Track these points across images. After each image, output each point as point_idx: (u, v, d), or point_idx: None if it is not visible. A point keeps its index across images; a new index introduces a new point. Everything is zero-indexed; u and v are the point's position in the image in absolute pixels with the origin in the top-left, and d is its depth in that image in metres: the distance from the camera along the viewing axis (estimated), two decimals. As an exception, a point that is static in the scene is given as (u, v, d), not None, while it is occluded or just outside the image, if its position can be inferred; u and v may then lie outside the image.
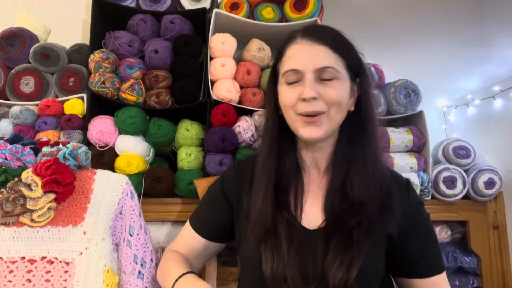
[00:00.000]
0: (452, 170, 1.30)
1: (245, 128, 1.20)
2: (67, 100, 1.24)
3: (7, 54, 1.25)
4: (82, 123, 1.22)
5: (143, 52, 1.25)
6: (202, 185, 1.12)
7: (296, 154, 0.82)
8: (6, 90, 1.26)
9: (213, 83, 1.26)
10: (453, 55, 1.64)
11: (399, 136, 1.30)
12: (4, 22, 1.33)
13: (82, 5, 1.53)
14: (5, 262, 0.80)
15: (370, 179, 0.74)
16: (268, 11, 1.35)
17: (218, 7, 1.34)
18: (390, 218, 0.74)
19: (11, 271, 0.79)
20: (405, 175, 1.26)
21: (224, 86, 1.23)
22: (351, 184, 0.75)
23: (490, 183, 1.29)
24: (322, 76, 0.72)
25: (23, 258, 0.80)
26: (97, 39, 1.27)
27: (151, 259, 0.91)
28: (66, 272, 0.80)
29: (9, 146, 0.84)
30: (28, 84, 1.26)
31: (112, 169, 1.18)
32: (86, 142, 1.20)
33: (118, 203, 0.88)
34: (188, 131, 1.22)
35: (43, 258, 0.80)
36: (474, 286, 1.32)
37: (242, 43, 1.31)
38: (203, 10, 1.30)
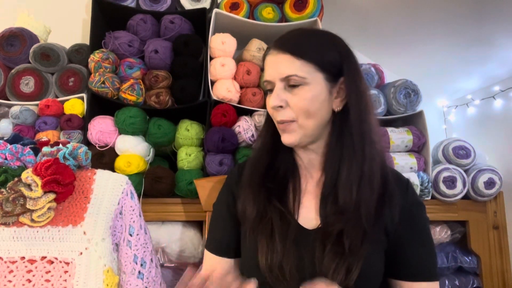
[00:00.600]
0: (452, 170, 1.30)
1: (245, 128, 1.20)
2: (67, 100, 1.24)
3: (7, 54, 1.25)
4: (82, 123, 1.22)
5: (143, 52, 1.25)
6: (202, 185, 1.12)
7: (294, 153, 0.83)
8: (6, 90, 1.26)
9: (213, 83, 1.26)
10: (453, 55, 1.64)
11: (399, 136, 1.30)
12: (4, 22, 1.33)
13: (82, 5, 1.53)
14: (5, 262, 0.80)
15: (363, 182, 0.72)
16: (268, 11, 1.35)
17: (218, 7, 1.34)
18: (388, 217, 0.73)
19: (11, 271, 0.79)
20: (405, 175, 1.25)
21: (224, 86, 1.23)
22: (341, 187, 0.73)
23: (490, 183, 1.29)
24: (289, 83, 0.74)
25: (23, 258, 0.80)
26: (97, 39, 1.27)
27: (151, 259, 0.91)
28: (66, 272, 0.80)
29: (9, 146, 0.84)
30: (28, 84, 1.26)
31: (112, 169, 1.18)
32: (86, 142, 1.20)
33: (118, 203, 0.88)
34: (188, 131, 1.22)
35: (43, 258, 0.80)
36: (474, 286, 1.32)
37: (242, 43, 1.31)
38: (203, 10, 1.30)
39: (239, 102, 1.27)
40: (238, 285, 0.63)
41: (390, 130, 1.31)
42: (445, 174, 1.29)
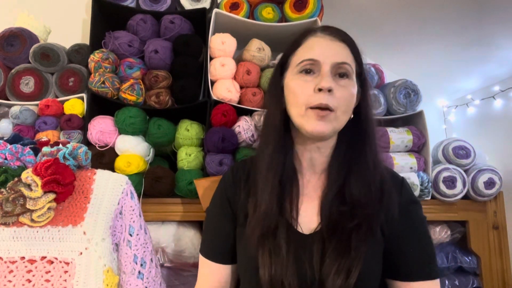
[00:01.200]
0: (452, 170, 1.30)
1: (245, 128, 1.20)
2: (67, 100, 1.24)
3: (7, 54, 1.25)
4: (82, 123, 1.22)
5: (143, 52, 1.25)
6: (202, 185, 1.12)
7: (293, 156, 0.80)
8: (6, 90, 1.26)
9: (213, 83, 1.26)
10: (453, 55, 1.64)
11: (399, 136, 1.30)
12: (4, 22, 1.33)
13: (82, 5, 1.53)
14: (5, 262, 0.80)
15: (371, 182, 0.74)
16: (268, 11, 1.35)
17: (218, 7, 1.34)
18: (385, 217, 0.73)
19: (11, 271, 0.79)
20: (405, 175, 1.26)
21: (224, 86, 1.23)
22: (351, 187, 0.74)
23: (490, 183, 1.29)
24: (337, 72, 0.72)
25: (23, 258, 0.80)
26: (97, 39, 1.27)
27: (151, 259, 0.91)
28: (66, 272, 0.80)
29: (9, 146, 0.84)
30: (28, 84, 1.26)
31: (112, 169, 1.18)
32: (86, 142, 1.20)
33: (118, 203, 0.88)
34: (188, 131, 1.22)
35: (43, 258, 0.80)
36: (474, 286, 1.32)
37: (242, 43, 1.31)
38: (203, 10, 1.30)
39: (239, 102, 1.27)
40: None
41: (390, 130, 1.31)
42: (445, 174, 1.29)
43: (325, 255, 0.69)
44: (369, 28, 1.63)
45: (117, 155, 1.21)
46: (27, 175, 0.78)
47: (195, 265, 1.21)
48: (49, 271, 0.80)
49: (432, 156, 1.35)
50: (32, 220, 0.78)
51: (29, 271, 0.80)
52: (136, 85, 1.20)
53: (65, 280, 0.79)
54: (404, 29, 1.58)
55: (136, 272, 0.87)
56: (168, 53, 1.24)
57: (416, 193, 1.26)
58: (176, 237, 1.19)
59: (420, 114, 1.33)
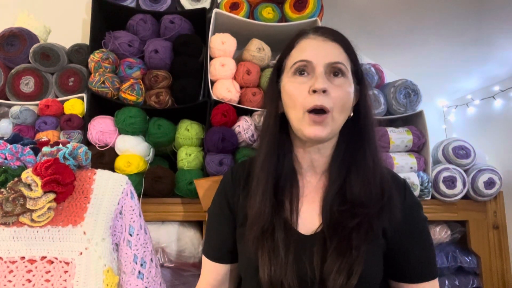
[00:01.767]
0: (452, 170, 1.30)
1: (245, 128, 1.20)
2: (67, 100, 1.24)
3: (7, 54, 1.25)
4: (82, 123, 1.22)
5: (143, 52, 1.25)
6: (202, 185, 1.12)
7: (293, 156, 0.80)
8: (6, 90, 1.26)
9: (213, 83, 1.26)
10: (453, 55, 1.64)
11: (399, 136, 1.30)
12: (4, 22, 1.33)
13: (82, 5, 1.53)
14: (5, 262, 0.80)
15: (371, 182, 0.74)
16: (268, 11, 1.35)
17: (218, 7, 1.34)
18: (387, 218, 0.73)
19: (11, 271, 0.79)
20: (405, 175, 1.26)
21: (224, 86, 1.23)
22: (351, 186, 0.74)
23: (490, 183, 1.29)
24: (332, 71, 0.72)
25: (23, 258, 0.80)
26: (97, 39, 1.27)
27: (151, 259, 0.91)
28: (66, 272, 0.80)
29: (9, 146, 0.84)
30: (28, 84, 1.26)
31: (112, 169, 1.18)
32: (86, 142, 1.20)
33: (118, 203, 0.88)
34: (188, 131, 1.23)
35: (43, 258, 0.80)
36: (474, 286, 1.32)
37: (242, 43, 1.31)
38: (203, 10, 1.30)
39: (239, 102, 1.27)
40: None
41: (390, 130, 1.31)
42: (445, 174, 1.29)
43: (326, 255, 0.69)
44: (369, 28, 1.63)
45: (117, 155, 1.21)
46: (27, 175, 0.78)
47: (195, 265, 1.21)
48: (49, 271, 0.80)
49: (432, 156, 1.35)
50: (32, 220, 0.78)
51: (29, 271, 0.80)
52: (136, 85, 1.20)
53: (65, 280, 0.79)
54: (404, 29, 1.58)
55: (136, 272, 0.87)
56: (168, 53, 1.24)
57: (416, 193, 1.26)
58: (176, 237, 1.19)
59: (420, 114, 1.33)
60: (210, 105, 1.22)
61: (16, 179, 0.80)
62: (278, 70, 0.81)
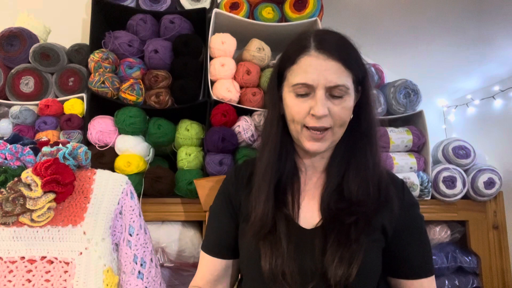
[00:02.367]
0: (452, 170, 1.30)
1: (245, 128, 1.20)
2: (67, 100, 1.24)
3: (7, 54, 1.25)
4: (81, 123, 1.22)
5: (143, 52, 1.25)
6: (202, 185, 1.12)
7: (295, 155, 0.83)
8: (6, 90, 1.26)
9: (213, 83, 1.26)
10: (453, 55, 1.64)
11: (399, 136, 1.30)
12: (4, 22, 1.33)
13: (82, 5, 1.53)
14: (5, 262, 0.80)
15: (369, 182, 0.76)
16: (268, 11, 1.35)
17: (218, 7, 1.34)
18: (387, 216, 0.75)
19: (11, 271, 0.79)
20: (405, 175, 1.26)
21: (224, 86, 1.23)
22: (349, 184, 0.76)
23: (489, 183, 1.29)
24: (332, 93, 0.73)
25: (23, 258, 0.80)
26: (97, 39, 1.27)
27: (151, 259, 0.91)
28: (66, 272, 0.80)
29: (8, 146, 0.84)
30: (27, 84, 1.26)
31: (112, 169, 1.18)
32: (86, 142, 1.20)
33: (118, 203, 0.88)
34: (188, 131, 1.22)
35: (43, 258, 0.80)
36: (474, 286, 1.32)
37: (242, 43, 1.31)
38: (203, 10, 1.30)
39: (239, 102, 1.27)
40: None
41: (390, 130, 1.31)
42: (445, 174, 1.29)
43: (326, 247, 0.71)
44: (369, 28, 1.63)
45: (117, 155, 1.21)
46: (27, 175, 0.78)
47: (195, 265, 1.20)
48: (49, 271, 0.80)
49: (432, 156, 1.35)
50: (32, 220, 0.78)
51: (29, 271, 0.80)
52: (136, 85, 1.20)
53: (65, 280, 0.79)
54: (404, 29, 1.58)
55: (136, 272, 0.87)
56: (168, 53, 1.24)
57: (416, 193, 1.26)
58: (176, 237, 1.19)
59: (420, 114, 1.33)
60: (210, 105, 1.22)
61: (16, 179, 0.80)
62: (278, 77, 0.81)
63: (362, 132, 0.78)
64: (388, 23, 1.59)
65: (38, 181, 0.77)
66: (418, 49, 1.67)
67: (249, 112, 1.26)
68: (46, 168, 0.78)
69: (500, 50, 1.51)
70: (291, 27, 1.34)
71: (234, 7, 1.34)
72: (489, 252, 1.31)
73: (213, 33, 1.30)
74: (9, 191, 0.78)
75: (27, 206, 0.76)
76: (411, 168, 1.29)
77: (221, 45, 1.26)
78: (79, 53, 1.28)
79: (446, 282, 1.31)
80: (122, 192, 0.89)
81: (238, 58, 1.34)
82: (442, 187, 1.28)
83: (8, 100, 1.26)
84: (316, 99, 0.72)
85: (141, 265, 0.88)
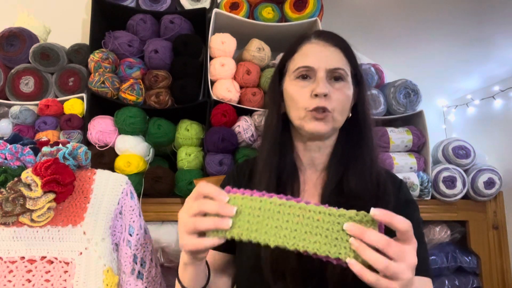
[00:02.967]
0: (451, 170, 1.30)
1: (245, 128, 1.20)
2: (67, 100, 1.24)
3: (7, 54, 1.25)
4: (81, 123, 1.22)
5: (143, 52, 1.25)
6: (202, 185, 1.12)
7: (294, 154, 0.83)
8: (5, 90, 1.26)
9: (213, 83, 1.26)
10: (453, 55, 1.64)
11: (398, 136, 1.30)
12: (4, 22, 1.33)
13: (82, 5, 1.53)
14: (5, 262, 0.80)
15: (367, 178, 0.77)
16: (268, 11, 1.35)
17: (218, 7, 1.34)
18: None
19: (11, 271, 0.79)
20: (405, 175, 1.26)
21: (224, 86, 1.23)
22: (348, 181, 0.77)
23: (489, 183, 1.29)
24: (332, 75, 0.76)
25: (23, 258, 0.80)
26: (97, 39, 1.27)
27: (151, 259, 0.91)
28: (65, 272, 0.80)
29: (8, 146, 0.84)
30: (27, 84, 1.26)
31: (112, 169, 1.18)
32: (86, 142, 1.20)
33: (118, 203, 0.88)
34: (188, 131, 1.22)
35: (43, 258, 0.80)
36: (474, 286, 1.32)
37: (242, 43, 1.31)
38: (203, 10, 1.30)
39: (239, 102, 1.27)
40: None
41: (389, 130, 1.31)
42: (445, 174, 1.29)
43: None
44: (369, 28, 1.63)
45: (117, 155, 1.21)
46: (27, 175, 0.77)
47: (195, 265, 1.21)
48: (49, 271, 0.80)
49: (432, 156, 1.35)
50: (32, 220, 0.78)
51: (29, 271, 0.80)
52: (136, 85, 1.20)
53: (65, 280, 0.79)
54: (404, 29, 1.58)
55: (136, 272, 0.87)
56: (168, 53, 1.24)
57: (416, 193, 1.26)
58: (176, 237, 1.19)
59: (420, 114, 1.33)
60: (210, 105, 1.22)
61: (16, 179, 0.79)
62: (280, 72, 0.84)
63: (359, 131, 0.80)
64: (388, 23, 1.59)
65: (38, 181, 0.77)
66: (418, 49, 1.67)
67: (249, 112, 1.26)
68: (46, 168, 0.78)
69: (500, 50, 1.51)
70: (291, 27, 1.34)
71: (234, 7, 1.34)
72: (489, 252, 1.31)
73: (213, 33, 1.30)
74: (9, 191, 0.78)
75: (27, 206, 0.76)
76: (411, 168, 1.29)
77: (221, 45, 1.26)
78: (79, 53, 1.28)
79: (446, 282, 1.31)
80: (122, 192, 0.89)
81: (238, 58, 1.34)
82: (442, 187, 1.28)
83: (8, 100, 1.26)
84: (317, 80, 0.75)
85: (141, 265, 0.88)
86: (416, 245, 0.54)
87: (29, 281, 0.79)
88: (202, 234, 0.59)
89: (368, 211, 0.74)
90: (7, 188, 0.78)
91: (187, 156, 1.21)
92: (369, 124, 0.80)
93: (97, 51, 1.22)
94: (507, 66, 1.54)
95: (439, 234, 1.33)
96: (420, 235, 0.78)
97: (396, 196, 0.78)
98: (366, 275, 0.50)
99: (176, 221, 1.21)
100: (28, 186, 0.78)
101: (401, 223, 0.51)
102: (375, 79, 1.39)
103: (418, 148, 1.33)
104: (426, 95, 1.41)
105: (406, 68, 1.71)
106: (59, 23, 1.45)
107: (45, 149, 0.85)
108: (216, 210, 0.56)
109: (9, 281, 0.79)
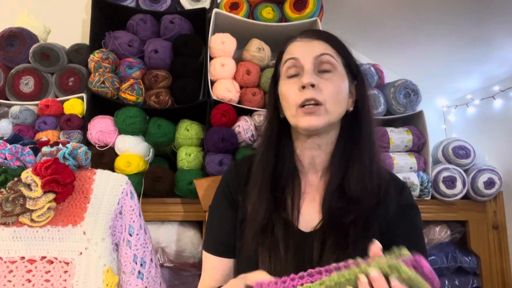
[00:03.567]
0: (451, 170, 1.30)
1: (245, 128, 1.20)
2: (67, 100, 1.24)
3: (7, 54, 1.25)
4: (81, 123, 1.22)
5: (143, 52, 1.25)
6: (201, 185, 1.12)
7: (294, 157, 0.82)
8: (5, 90, 1.26)
9: (213, 83, 1.26)
10: (453, 55, 1.64)
11: (398, 136, 1.30)
12: (4, 22, 1.33)
13: (82, 5, 1.53)
14: (5, 262, 0.80)
15: (366, 178, 0.76)
16: (267, 11, 1.35)
17: (218, 7, 1.34)
18: (383, 215, 0.74)
19: (11, 271, 0.79)
20: (405, 175, 1.26)
21: (224, 86, 1.23)
22: (349, 182, 0.76)
23: (489, 183, 1.29)
24: (320, 67, 0.75)
25: (23, 258, 0.80)
26: (97, 39, 1.27)
27: (151, 259, 0.91)
28: (65, 272, 0.80)
29: (8, 146, 0.84)
30: (27, 84, 1.26)
31: (112, 169, 1.18)
32: (86, 142, 1.20)
33: (118, 203, 0.88)
34: (188, 131, 1.23)
35: (43, 258, 0.80)
36: (474, 286, 1.32)
37: (242, 43, 1.31)
38: (203, 10, 1.30)
39: (239, 102, 1.27)
40: None
41: (389, 130, 1.31)
42: (445, 174, 1.29)
43: (324, 249, 0.70)
44: (369, 28, 1.63)
45: (117, 155, 1.21)
46: (27, 175, 0.77)
47: (195, 265, 1.21)
48: (49, 271, 0.80)
49: (432, 156, 1.35)
50: (32, 220, 0.78)
51: (29, 271, 0.80)
52: (136, 85, 1.20)
53: (65, 280, 0.79)
54: (404, 29, 1.58)
55: (136, 272, 0.87)
56: (168, 53, 1.24)
57: (416, 193, 1.26)
58: (176, 237, 1.19)
59: (420, 114, 1.33)
60: (210, 105, 1.22)
61: (16, 179, 0.80)
62: (274, 78, 0.84)
63: (359, 128, 0.79)
64: (388, 23, 1.59)
65: (38, 181, 0.77)
66: (418, 49, 1.67)
67: (249, 112, 1.26)
68: (46, 168, 0.78)
69: (500, 50, 1.51)
70: (291, 27, 1.34)
71: (234, 7, 1.34)
72: (489, 252, 1.31)
73: (213, 33, 1.30)
74: (9, 191, 0.78)
75: (27, 206, 0.76)
76: (411, 168, 1.29)
77: (221, 45, 1.26)
78: (79, 53, 1.28)
79: (446, 282, 1.31)
80: (122, 192, 0.89)
81: (238, 58, 1.34)
82: (442, 187, 1.28)
83: (8, 100, 1.26)
84: (303, 73, 0.75)
85: (141, 265, 0.88)
86: None
87: (29, 281, 0.79)
88: None
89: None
90: (7, 188, 0.78)
91: (187, 156, 1.21)
92: (369, 122, 0.79)
93: (97, 51, 1.22)
94: (507, 66, 1.54)
95: (439, 234, 1.33)
96: (420, 239, 0.79)
97: (398, 196, 0.77)
98: None
99: (176, 221, 1.21)
100: (28, 186, 0.78)
101: None
102: (375, 79, 1.39)
103: (418, 148, 1.33)
104: (426, 95, 1.41)
105: (406, 68, 1.71)
106: (59, 23, 1.45)
107: (45, 149, 0.85)
108: None
109: (9, 281, 0.79)
